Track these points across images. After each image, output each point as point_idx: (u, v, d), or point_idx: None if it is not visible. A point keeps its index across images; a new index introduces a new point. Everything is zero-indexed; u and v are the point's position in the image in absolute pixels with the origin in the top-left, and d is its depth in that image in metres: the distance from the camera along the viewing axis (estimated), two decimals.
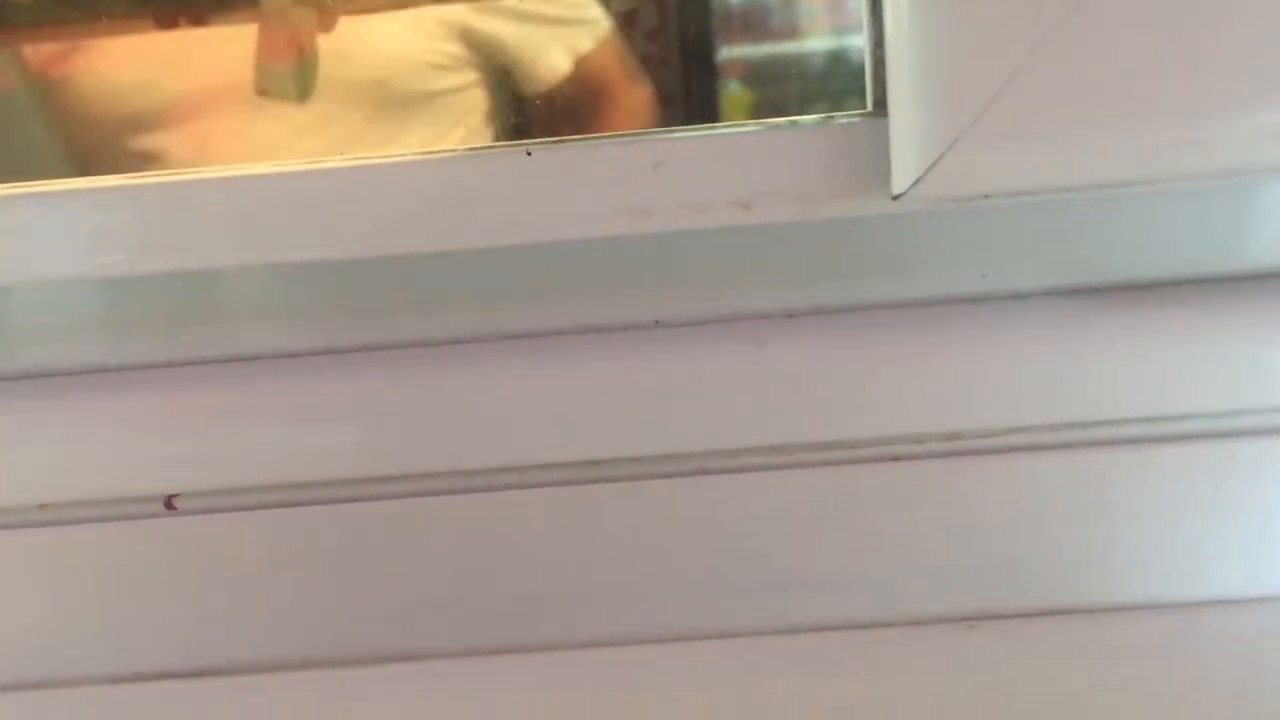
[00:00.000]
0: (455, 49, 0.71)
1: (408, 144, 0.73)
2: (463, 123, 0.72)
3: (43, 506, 0.47)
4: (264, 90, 0.74)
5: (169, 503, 0.46)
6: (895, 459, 0.45)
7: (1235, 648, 0.45)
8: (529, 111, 0.75)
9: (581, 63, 0.74)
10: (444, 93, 0.72)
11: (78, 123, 0.71)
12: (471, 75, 0.72)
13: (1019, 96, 0.39)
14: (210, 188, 0.43)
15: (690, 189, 0.43)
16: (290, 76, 0.74)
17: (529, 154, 0.43)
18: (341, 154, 0.72)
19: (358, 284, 0.47)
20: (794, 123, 0.44)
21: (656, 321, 0.47)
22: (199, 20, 0.75)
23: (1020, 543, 0.45)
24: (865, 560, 0.46)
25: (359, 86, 0.72)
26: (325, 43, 0.68)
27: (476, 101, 0.72)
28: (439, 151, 0.44)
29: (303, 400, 0.46)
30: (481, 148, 0.43)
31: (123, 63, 0.72)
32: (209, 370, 0.47)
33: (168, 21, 0.76)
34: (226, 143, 0.68)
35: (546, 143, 0.43)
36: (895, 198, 0.41)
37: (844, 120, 0.43)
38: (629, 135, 0.43)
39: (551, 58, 0.74)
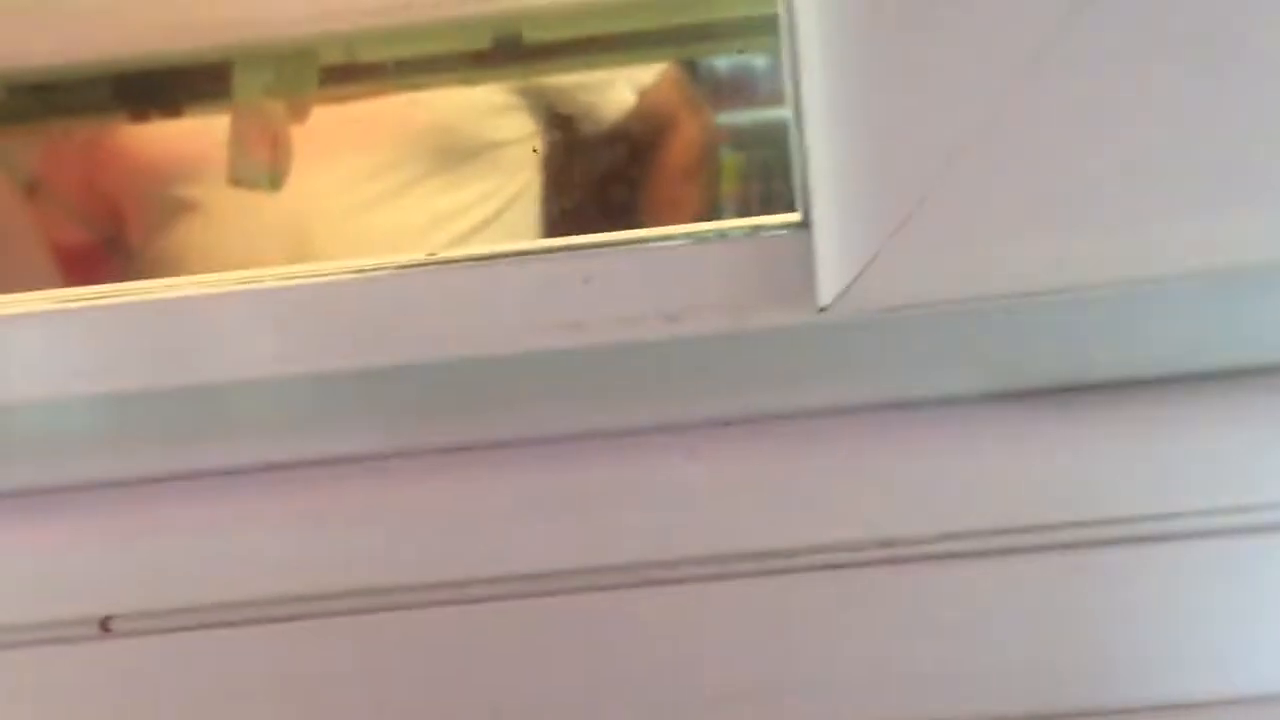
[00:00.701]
0: (514, 99, 0.73)
1: (467, 194, 0.74)
2: (521, 173, 0.73)
3: None
4: (237, 180, 0.75)
5: (105, 625, 0.46)
6: (832, 567, 0.45)
7: None
8: (589, 158, 0.76)
9: (645, 95, 0.75)
10: (503, 144, 0.73)
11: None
12: (529, 126, 0.74)
13: (940, 207, 0.39)
14: (135, 311, 0.43)
15: (620, 302, 0.43)
16: (263, 167, 0.75)
17: (459, 267, 0.43)
18: (395, 202, 0.73)
19: (288, 400, 0.47)
20: (722, 234, 0.44)
21: (589, 431, 0.47)
22: (173, 113, 0.77)
23: (959, 651, 0.45)
24: (803, 670, 0.45)
25: (421, 132, 0.73)
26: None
27: (533, 154, 0.74)
28: (368, 269, 0.44)
29: (242, 515, 0.46)
30: (409, 264, 0.44)
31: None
32: (142, 490, 0.47)
33: (140, 115, 0.77)
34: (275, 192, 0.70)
35: (477, 257, 0.44)
36: (821, 309, 0.41)
37: (771, 233, 0.44)
38: (558, 250, 0.44)
39: (616, 92, 0.75)
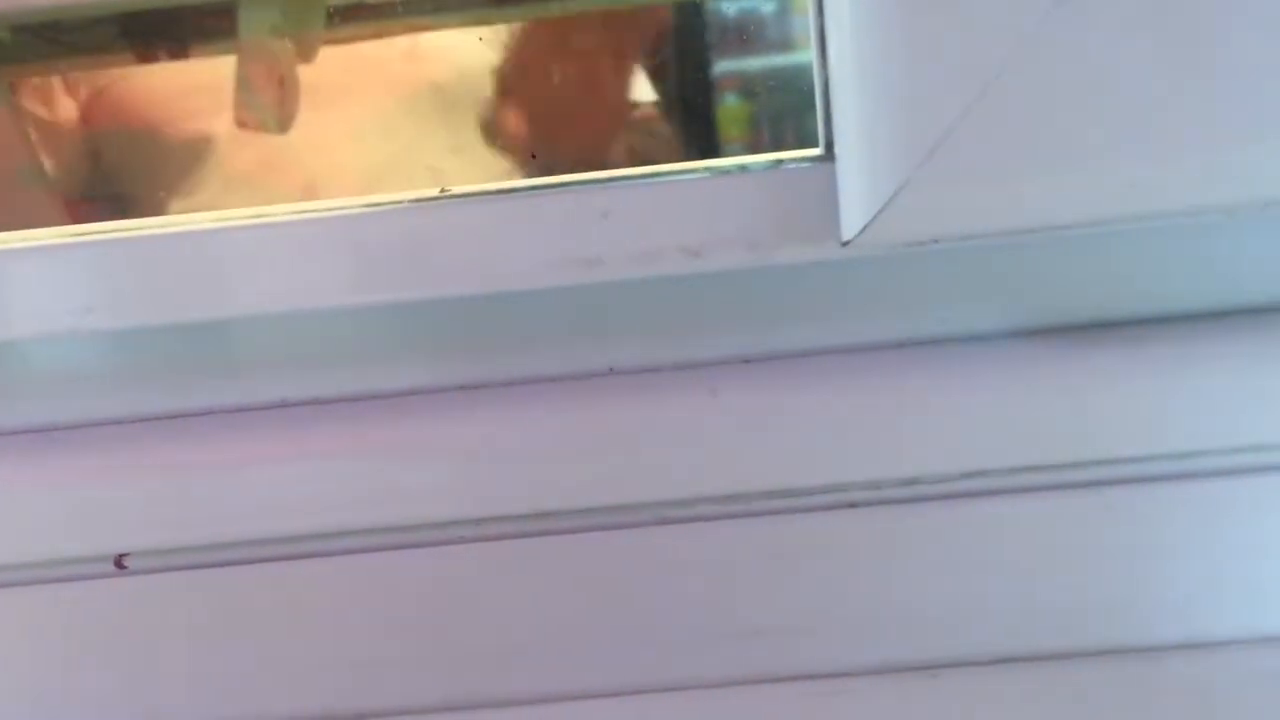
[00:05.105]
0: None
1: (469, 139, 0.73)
2: None
3: None
4: (243, 121, 0.74)
5: (119, 562, 0.46)
6: (853, 505, 0.45)
7: (1204, 691, 0.44)
8: None
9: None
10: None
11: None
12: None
13: (966, 139, 0.38)
14: (143, 246, 0.42)
15: (639, 237, 0.42)
16: (270, 108, 0.74)
17: (474, 202, 0.43)
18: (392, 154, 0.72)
19: (299, 337, 0.46)
20: (743, 167, 0.43)
21: (611, 369, 0.46)
22: (180, 53, 0.76)
23: (979, 589, 0.45)
24: (824, 608, 0.45)
25: (419, 84, 0.72)
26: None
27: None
28: (385, 203, 0.43)
29: (255, 452, 0.46)
30: (423, 199, 0.43)
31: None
32: (155, 426, 0.46)
33: (148, 55, 0.76)
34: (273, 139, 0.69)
35: (492, 192, 0.43)
36: (844, 244, 0.40)
37: (794, 165, 0.43)
38: (576, 184, 0.43)
39: None
